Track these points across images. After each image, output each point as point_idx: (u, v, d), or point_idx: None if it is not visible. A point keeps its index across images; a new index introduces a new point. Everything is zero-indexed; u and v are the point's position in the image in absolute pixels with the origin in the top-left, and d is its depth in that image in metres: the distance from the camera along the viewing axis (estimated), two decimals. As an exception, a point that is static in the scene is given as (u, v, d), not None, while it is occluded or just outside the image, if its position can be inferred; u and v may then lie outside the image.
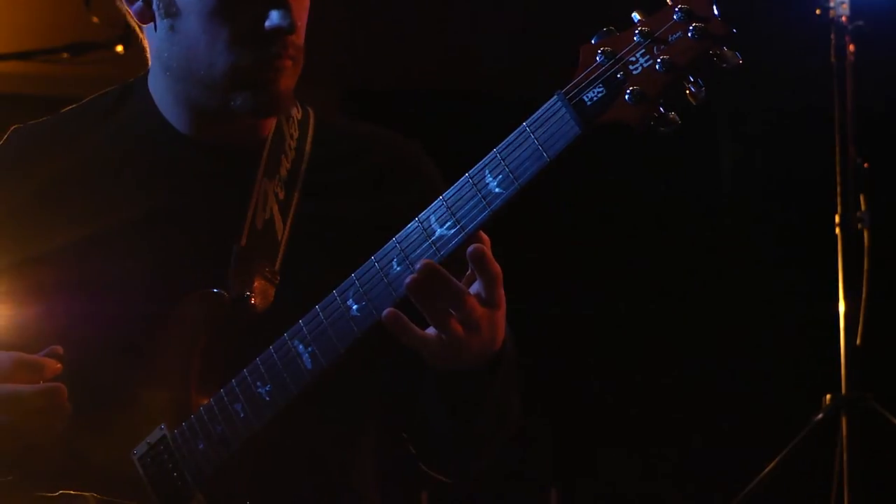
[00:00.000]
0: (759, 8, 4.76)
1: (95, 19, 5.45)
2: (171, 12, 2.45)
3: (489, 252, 2.18)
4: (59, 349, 2.43)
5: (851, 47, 4.48)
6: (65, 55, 5.60)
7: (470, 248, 2.17)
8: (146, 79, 2.60)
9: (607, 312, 6.05)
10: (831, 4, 4.49)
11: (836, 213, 4.47)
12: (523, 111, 2.18)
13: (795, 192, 5.88)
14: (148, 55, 2.59)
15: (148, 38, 2.55)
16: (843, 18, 4.48)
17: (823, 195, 4.57)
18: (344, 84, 5.87)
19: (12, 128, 2.67)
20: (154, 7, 2.48)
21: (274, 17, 2.40)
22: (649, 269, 6.07)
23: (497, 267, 2.19)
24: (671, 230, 6.13)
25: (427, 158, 2.62)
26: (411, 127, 2.71)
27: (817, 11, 4.51)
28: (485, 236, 2.20)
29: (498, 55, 5.81)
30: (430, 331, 2.22)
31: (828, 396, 4.39)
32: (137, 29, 2.57)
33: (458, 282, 2.18)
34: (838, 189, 4.47)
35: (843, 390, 4.38)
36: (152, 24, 2.49)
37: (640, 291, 6.07)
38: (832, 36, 4.51)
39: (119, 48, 5.46)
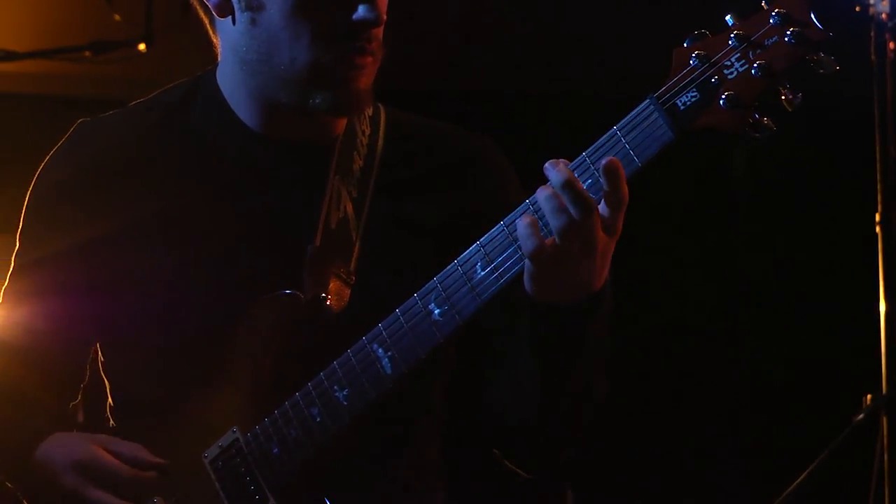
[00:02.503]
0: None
1: (118, 17, 5.42)
2: (253, 5, 2.42)
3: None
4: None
5: (891, 45, 4.46)
6: (87, 54, 5.56)
7: (605, 161, 2.10)
8: (214, 74, 2.57)
9: (638, 314, 6.03)
10: (871, 2, 4.46)
11: (876, 211, 4.46)
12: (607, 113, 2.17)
13: (835, 190, 5.87)
14: (218, 49, 2.55)
15: (221, 32, 2.52)
16: (883, 16, 4.45)
17: (863, 194, 4.55)
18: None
19: (79, 121, 2.64)
20: (234, 0, 2.45)
21: (361, 10, 2.38)
22: (681, 266, 6.06)
23: (627, 191, 2.13)
24: (710, 228, 6.12)
25: (500, 155, 2.59)
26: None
27: (857, 9, 4.49)
28: None
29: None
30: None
31: (868, 396, 4.37)
32: (207, 22, 2.55)
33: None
34: (878, 187, 4.45)
35: (884, 390, 4.37)
36: (230, 17, 2.46)
37: (673, 289, 6.06)
38: (872, 33, 4.49)
39: (142, 46, 5.43)
